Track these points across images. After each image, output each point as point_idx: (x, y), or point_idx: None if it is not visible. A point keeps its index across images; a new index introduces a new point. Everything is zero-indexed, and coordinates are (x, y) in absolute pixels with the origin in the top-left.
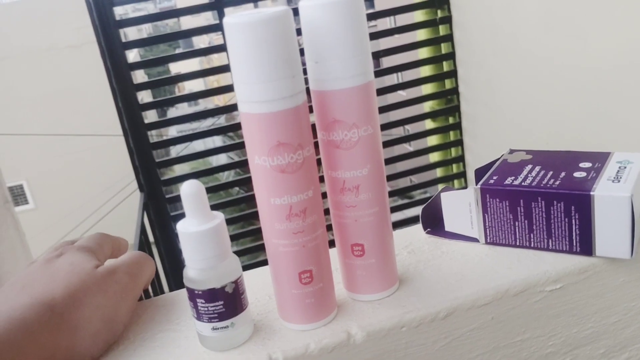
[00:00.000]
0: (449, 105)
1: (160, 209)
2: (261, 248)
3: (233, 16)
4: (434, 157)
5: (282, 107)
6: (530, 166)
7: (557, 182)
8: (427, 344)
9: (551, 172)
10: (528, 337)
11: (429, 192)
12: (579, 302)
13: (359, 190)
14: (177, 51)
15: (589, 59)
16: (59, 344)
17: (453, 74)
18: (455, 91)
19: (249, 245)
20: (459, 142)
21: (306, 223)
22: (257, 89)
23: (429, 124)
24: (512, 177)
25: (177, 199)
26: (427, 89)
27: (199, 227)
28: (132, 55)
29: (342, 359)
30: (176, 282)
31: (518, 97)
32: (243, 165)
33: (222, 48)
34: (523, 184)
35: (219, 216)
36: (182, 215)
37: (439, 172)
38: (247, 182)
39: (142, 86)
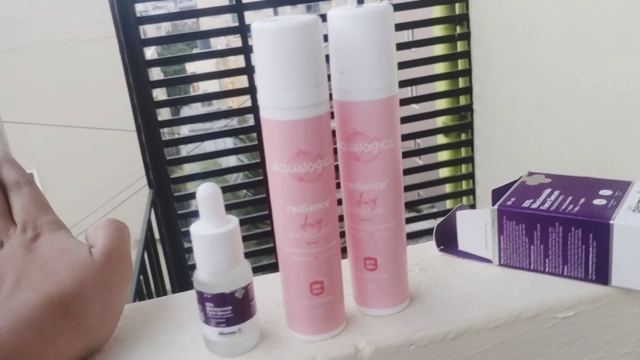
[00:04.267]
0: (462, 122)
1: (168, 207)
2: (265, 252)
3: (262, 21)
4: (444, 172)
5: (305, 116)
6: (549, 190)
7: (576, 209)
8: None
9: (570, 198)
10: None
11: (436, 207)
12: (591, 330)
13: (375, 204)
14: (195, 52)
15: (609, 82)
16: (76, 346)
17: (468, 90)
18: (469, 108)
19: (254, 249)
20: (470, 159)
21: (321, 233)
22: (280, 95)
23: (440, 139)
24: (531, 200)
25: (186, 197)
26: (441, 104)
27: (213, 230)
28: (150, 53)
29: None
30: (179, 280)
31: (533, 117)
32: (252, 168)
33: (239, 50)
34: (541, 207)
35: (234, 221)
36: (190, 214)
37: (448, 188)
38: (255, 185)
39: (158, 83)
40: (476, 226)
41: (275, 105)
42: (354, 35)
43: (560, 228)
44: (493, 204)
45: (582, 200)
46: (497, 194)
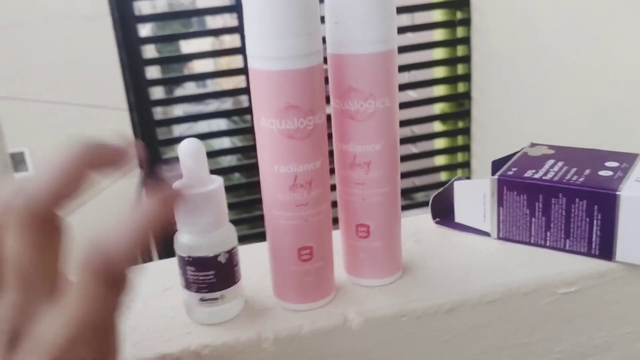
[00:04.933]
0: (459, 109)
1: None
2: (258, 237)
3: None
4: (440, 160)
5: (295, 66)
6: (552, 161)
7: (581, 179)
8: (428, 338)
9: (575, 169)
10: (535, 340)
11: (431, 195)
12: (592, 308)
13: (369, 167)
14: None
15: (612, 71)
16: None
17: (467, 77)
18: (467, 95)
19: (246, 233)
20: (467, 148)
21: (311, 196)
22: (269, 43)
23: (437, 126)
24: (533, 171)
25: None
26: (439, 90)
27: (195, 189)
28: (144, 32)
29: (336, 344)
30: None
31: (532, 107)
32: (245, 151)
33: (235, 30)
34: (544, 178)
35: (218, 180)
36: None
37: (443, 176)
38: (248, 169)
39: (152, 61)
40: (474, 197)
41: (264, 54)
42: None
43: (563, 199)
44: (492, 175)
45: (587, 171)
46: (497, 164)
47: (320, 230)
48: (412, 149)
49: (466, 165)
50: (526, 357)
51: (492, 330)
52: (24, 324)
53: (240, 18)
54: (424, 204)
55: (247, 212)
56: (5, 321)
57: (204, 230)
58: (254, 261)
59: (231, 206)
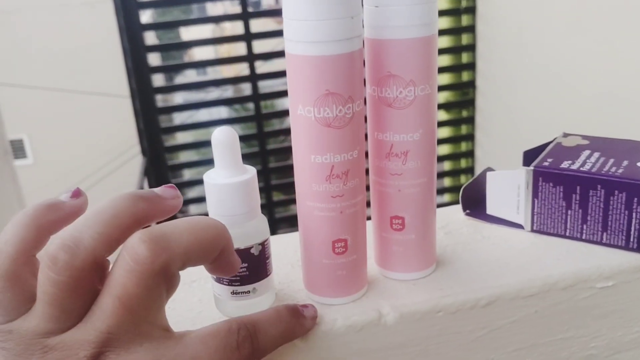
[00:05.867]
0: (464, 98)
1: (162, 176)
2: None
3: None
4: (443, 149)
5: (336, 51)
6: (588, 152)
7: (620, 171)
8: (463, 333)
9: (612, 160)
10: (570, 336)
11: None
12: (628, 303)
13: (407, 157)
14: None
15: (618, 63)
16: None
17: (471, 66)
18: (472, 84)
19: None
20: (471, 137)
21: (347, 187)
22: (309, 26)
23: (441, 115)
24: (569, 162)
25: (179, 167)
26: (443, 79)
27: (229, 179)
28: (145, 18)
29: (370, 339)
30: None
31: (537, 96)
32: (247, 139)
33: (236, 17)
34: (582, 169)
35: (251, 170)
36: (184, 184)
37: (446, 165)
38: (249, 158)
39: (154, 48)
40: (508, 189)
41: (303, 38)
42: None
43: (602, 191)
44: (526, 165)
45: (625, 162)
46: (529, 155)
47: (355, 222)
48: None
49: (470, 154)
50: (561, 354)
51: (528, 326)
52: (108, 355)
53: (244, 4)
54: None
55: None
56: (90, 345)
57: (237, 221)
58: (280, 254)
59: None
